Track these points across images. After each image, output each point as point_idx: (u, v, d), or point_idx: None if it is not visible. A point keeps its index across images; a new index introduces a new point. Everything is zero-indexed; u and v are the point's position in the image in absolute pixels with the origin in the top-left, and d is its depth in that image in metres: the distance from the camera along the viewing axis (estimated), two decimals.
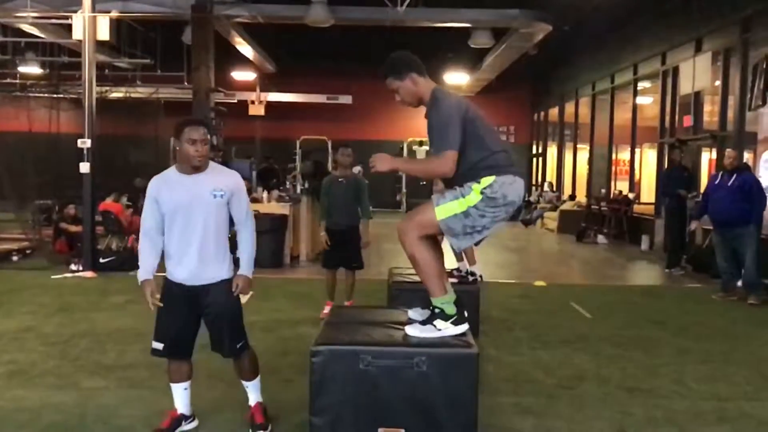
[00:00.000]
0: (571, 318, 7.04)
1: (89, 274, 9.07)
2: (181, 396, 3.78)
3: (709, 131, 11.34)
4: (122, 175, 13.69)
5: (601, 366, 5.26)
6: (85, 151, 9.30)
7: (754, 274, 7.78)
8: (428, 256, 3.39)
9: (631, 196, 14.79)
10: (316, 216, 8.89)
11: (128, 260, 9.58)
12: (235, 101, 19.65)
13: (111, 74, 16.16)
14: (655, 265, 11.11)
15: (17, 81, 15.29)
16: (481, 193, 3.30)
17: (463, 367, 3.26)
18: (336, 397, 3.25)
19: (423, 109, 3.50)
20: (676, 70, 12.50)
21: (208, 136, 3.58)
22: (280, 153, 18.84)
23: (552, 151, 21.72)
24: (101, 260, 9.44)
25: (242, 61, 18.55)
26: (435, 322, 3.41)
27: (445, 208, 3.33)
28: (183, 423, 3.79)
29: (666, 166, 12.08)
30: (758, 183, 8.05)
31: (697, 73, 11.40)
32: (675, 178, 10.23)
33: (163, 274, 3.67)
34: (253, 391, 3.85)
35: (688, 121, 12.10)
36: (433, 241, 3.48)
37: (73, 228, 10.38)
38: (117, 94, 15.33)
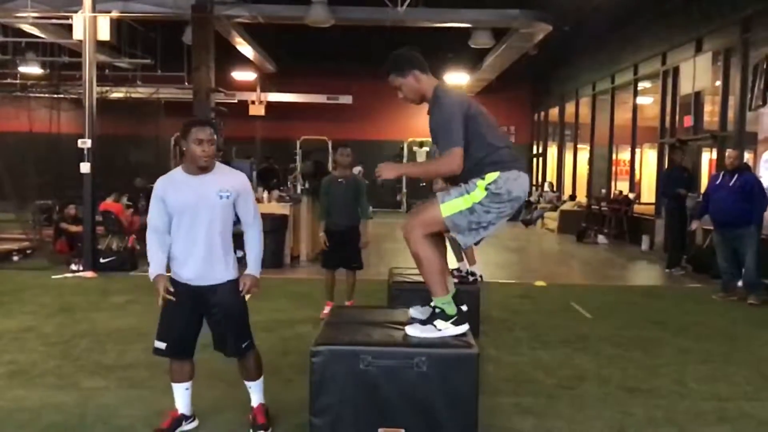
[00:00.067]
0: (572, 318, 7.04)
1: (90, 274, 9.08)
2: (182, 396, 3.78)
3: (710, 131, 11.32)
4: (122, 175, 13.68)
5: (602, 366, 5.26)
6: (85, 151, 9.31)
7: (755, 275, 7.78)
8: (432, 254, 3.40)
9: (631, 196, 14.78)
10: (316, 216, 8.88)
11: (128, 260, 9.62)
12: (236, 101, 19.64)
13: (111, 74, 16.13)
14: (656, 265, 11.11)
15: (18, 81, 15.27)
16: (486, 189, 3.31)
17: (463, 367, 3.25)
18: (336, 397, 3.24)
19: (423, 110, 3.50)
20: (676, 71, 12.49)
21: (215, 137, 3.58)
22: (280, 153, 18.83)
23: (552, 151, 21.71)
24: (101, 260, 9.45)
25: (242, 61, 18.53)
26: (435, 322, 3.41)
27: (450, 205, 3.33)
28: (183, 423, 3.79)
29: (666, 167, 12.08)
30: (759, 183, 8.05)
31: (697, 73, 11.39)
32: (675, 178, 10.22)
33: (168, 274, 3.67)
34: (256, 392, 3.85)
35: (688, 121, 12.10)
36: (438, 239, 3.49)
37: (74, 228, 10.38)
38: (117, 94, 15.32)
